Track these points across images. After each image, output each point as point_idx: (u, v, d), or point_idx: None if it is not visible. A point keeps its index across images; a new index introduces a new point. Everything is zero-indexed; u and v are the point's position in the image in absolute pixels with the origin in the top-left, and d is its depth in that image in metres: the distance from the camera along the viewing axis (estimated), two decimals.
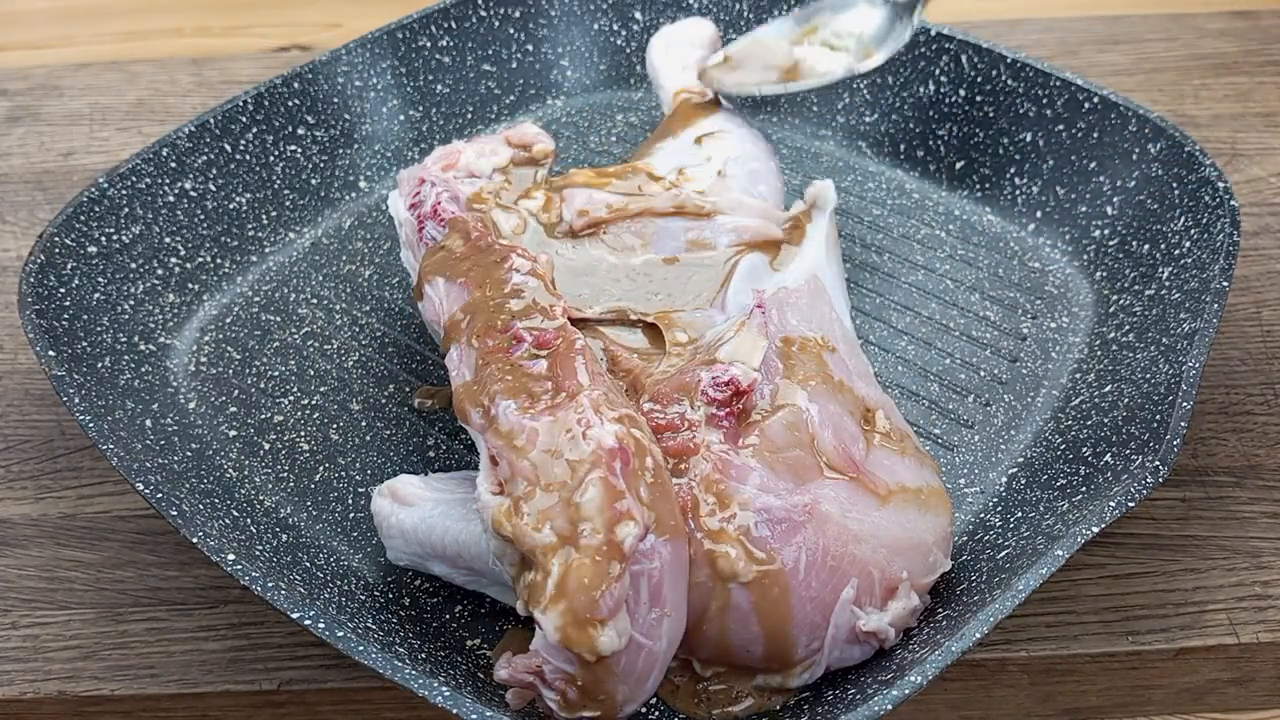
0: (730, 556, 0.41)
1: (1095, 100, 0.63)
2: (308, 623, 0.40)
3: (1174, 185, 0.59)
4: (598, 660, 0.37)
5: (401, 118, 0.72)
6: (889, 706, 0.38)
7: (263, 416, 0.57)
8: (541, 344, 0.44)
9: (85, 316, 0.56)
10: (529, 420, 0.41)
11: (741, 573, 0.41)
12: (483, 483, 0.41)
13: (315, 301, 0.63)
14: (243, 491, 0.52)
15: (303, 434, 0.56)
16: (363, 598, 0.47)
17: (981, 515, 0.51)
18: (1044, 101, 0.65)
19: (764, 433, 0.44)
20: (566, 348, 0.44)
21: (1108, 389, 0.54)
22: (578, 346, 0.44)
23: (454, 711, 0.37)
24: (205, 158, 0.64)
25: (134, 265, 0.60)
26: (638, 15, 0.77)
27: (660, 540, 0.39)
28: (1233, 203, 0.55)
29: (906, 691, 0.38)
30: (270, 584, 0.41)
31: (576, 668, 0.38)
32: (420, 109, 0.73)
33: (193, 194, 0.63)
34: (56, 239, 0.57)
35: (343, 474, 0.54)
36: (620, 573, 0.37)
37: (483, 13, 0.74)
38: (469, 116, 0.74)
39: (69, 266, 0.57)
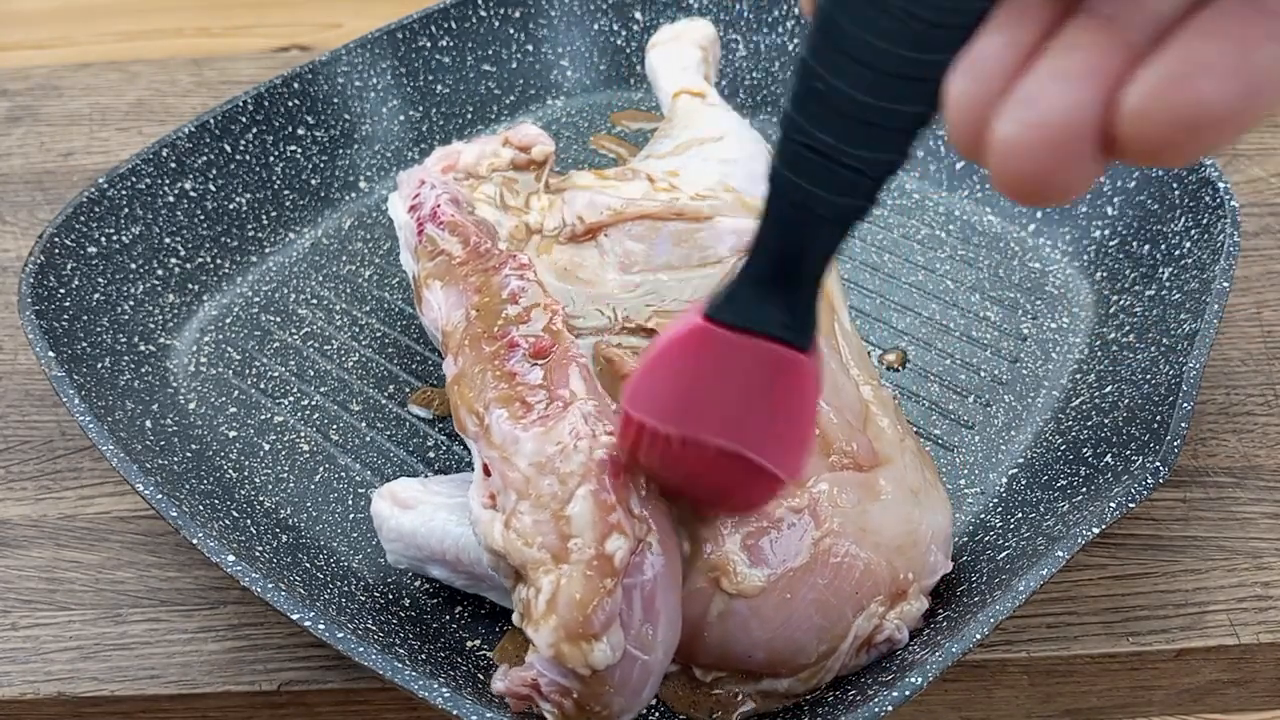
0: (728, 562, 0.41)
1: None
2: (308, 624, 0.40)
3: (1174, 185, 0.59)
4: (592, 674, 0.37)
5: (401, 118, 0.72)
6: (889, 708, 0.38)
7: (263, 417, 0.57)
8: (538, 351, 0.44)
9: (85, 317, 0.56)
10: (521, 430, 0.40)
11: (740, 577, 0.41)
12: (474, 495, 0.41)
13: (315, 302, 0.63)
14: (242, 492, 0.52)
15: (303, 434, 0.56)
16: (362, 599, 0.47)
17: (982, 516, 0.51)
18: None
19: None
20: (561, 355, 0.43)
21: (1108, 389, 0.54)
22: (571, 354, 0.43)
23: (454, 713, 0.37)
24: (205, 158, 0.64)
25: (134, 266, 0.60)
26: (638, 15, 0.77)
27: (653, 552, 0.39)
28: (1233, 203, 0.55)
29: (907, 693, 0.38)
30: (270, 585, 0.41)
31: (571, 681, 0.37)
32: (420, 109, 0.72)
33: (193, 194, 0.63)
34: (56, 239, 0.57)
35: (343, 474, 0.54)
36: (612, 587, 0.37)
37: (483, 13, 0.74)
38: (469, 117, 0.74)
39: (69, 267, 0.57)
